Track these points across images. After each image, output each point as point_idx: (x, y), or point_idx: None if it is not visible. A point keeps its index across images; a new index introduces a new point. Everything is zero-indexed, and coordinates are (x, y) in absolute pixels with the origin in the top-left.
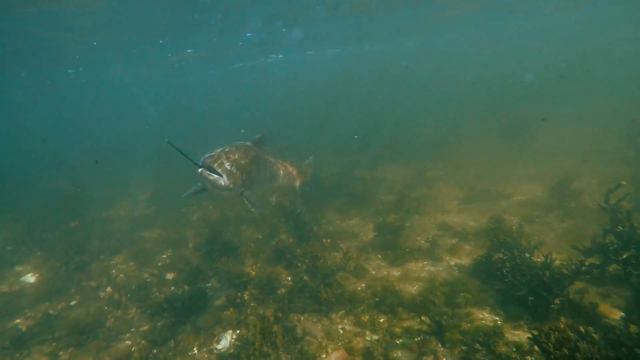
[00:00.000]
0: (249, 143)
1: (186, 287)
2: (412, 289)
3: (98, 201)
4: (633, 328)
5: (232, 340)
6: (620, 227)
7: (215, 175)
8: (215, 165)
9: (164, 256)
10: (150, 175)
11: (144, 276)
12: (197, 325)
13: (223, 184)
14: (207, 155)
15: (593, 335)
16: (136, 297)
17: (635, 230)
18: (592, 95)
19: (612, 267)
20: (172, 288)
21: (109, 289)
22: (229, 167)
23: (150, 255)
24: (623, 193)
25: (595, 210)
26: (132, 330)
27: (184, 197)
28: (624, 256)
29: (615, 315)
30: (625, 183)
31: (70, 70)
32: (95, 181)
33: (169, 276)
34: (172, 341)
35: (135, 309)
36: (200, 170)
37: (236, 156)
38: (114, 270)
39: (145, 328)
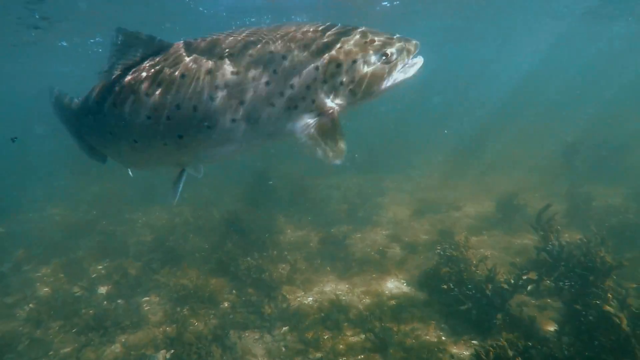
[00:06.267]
0: None
1: (120, 302)
2: (359, 303)
3: (30, 203)
4: (565, 339)
5: None
6: (551, 246)
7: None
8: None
9: (100, 267)
10: (96, 174)
11: (74, 290)
12: (128, 345)
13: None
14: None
15: (531, 351)
16: (61, 314)
17: (563, 249)
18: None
19: (547, 282)
20: (105, 303)
21: (29, 305)
22: None
23: (85, 266)
24: (552, 212)
25: None
26: (49, 353)
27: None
28: (555, 274)
29: (551, 327)
30: (552, 204)
31: None
32: (29, 180)
33: (102, 290)
34: None
35: (57, 328)
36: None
37: None
38: (38, 284)
39: (66, 350)
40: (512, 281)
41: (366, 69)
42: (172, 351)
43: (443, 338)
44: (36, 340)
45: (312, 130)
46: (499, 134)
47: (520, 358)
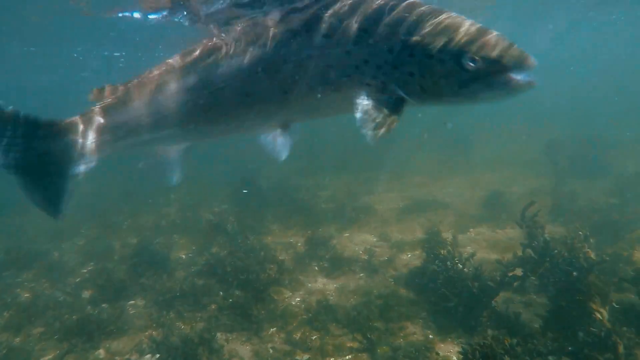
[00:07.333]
0: None
1: (105, 306)
2: (347, 303)
3: (10, 206)
4: (549, 335)
5: None
6: (536, 242)
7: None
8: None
9: (84, 270)
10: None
11: (56, 295)
12: (112, 350)
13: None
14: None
15: (517, 348)
16: (42, 320)
17: (548, 244)
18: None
19: (532, 279)
20: (89, 307)
21: (9, 312)
22: None
23: (68, 270)
24: (537, 209)
25: None
26: None
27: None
28: (541, 269)
29: (536, 323)
30: (536, 201)
31: None
32: (7, 183)
33: (86, 294)
34: None
35: (38, 335)
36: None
37: None
38: (19, 289)
39: (48, 358)
40: (498, 278)
41: (441, 68)
42: (158, 356)
43: (430, 336)
44: (15, 348)
45: (369, 108)
46: (486, 133)
47: (507, 356)
